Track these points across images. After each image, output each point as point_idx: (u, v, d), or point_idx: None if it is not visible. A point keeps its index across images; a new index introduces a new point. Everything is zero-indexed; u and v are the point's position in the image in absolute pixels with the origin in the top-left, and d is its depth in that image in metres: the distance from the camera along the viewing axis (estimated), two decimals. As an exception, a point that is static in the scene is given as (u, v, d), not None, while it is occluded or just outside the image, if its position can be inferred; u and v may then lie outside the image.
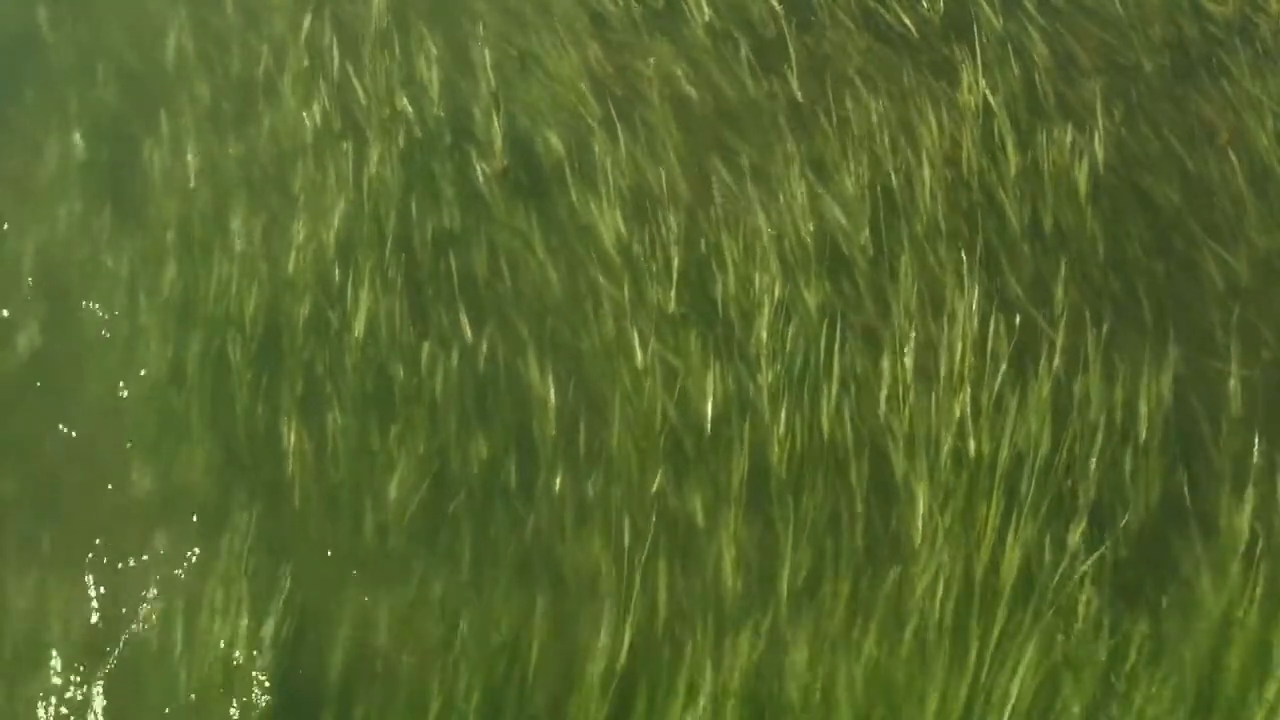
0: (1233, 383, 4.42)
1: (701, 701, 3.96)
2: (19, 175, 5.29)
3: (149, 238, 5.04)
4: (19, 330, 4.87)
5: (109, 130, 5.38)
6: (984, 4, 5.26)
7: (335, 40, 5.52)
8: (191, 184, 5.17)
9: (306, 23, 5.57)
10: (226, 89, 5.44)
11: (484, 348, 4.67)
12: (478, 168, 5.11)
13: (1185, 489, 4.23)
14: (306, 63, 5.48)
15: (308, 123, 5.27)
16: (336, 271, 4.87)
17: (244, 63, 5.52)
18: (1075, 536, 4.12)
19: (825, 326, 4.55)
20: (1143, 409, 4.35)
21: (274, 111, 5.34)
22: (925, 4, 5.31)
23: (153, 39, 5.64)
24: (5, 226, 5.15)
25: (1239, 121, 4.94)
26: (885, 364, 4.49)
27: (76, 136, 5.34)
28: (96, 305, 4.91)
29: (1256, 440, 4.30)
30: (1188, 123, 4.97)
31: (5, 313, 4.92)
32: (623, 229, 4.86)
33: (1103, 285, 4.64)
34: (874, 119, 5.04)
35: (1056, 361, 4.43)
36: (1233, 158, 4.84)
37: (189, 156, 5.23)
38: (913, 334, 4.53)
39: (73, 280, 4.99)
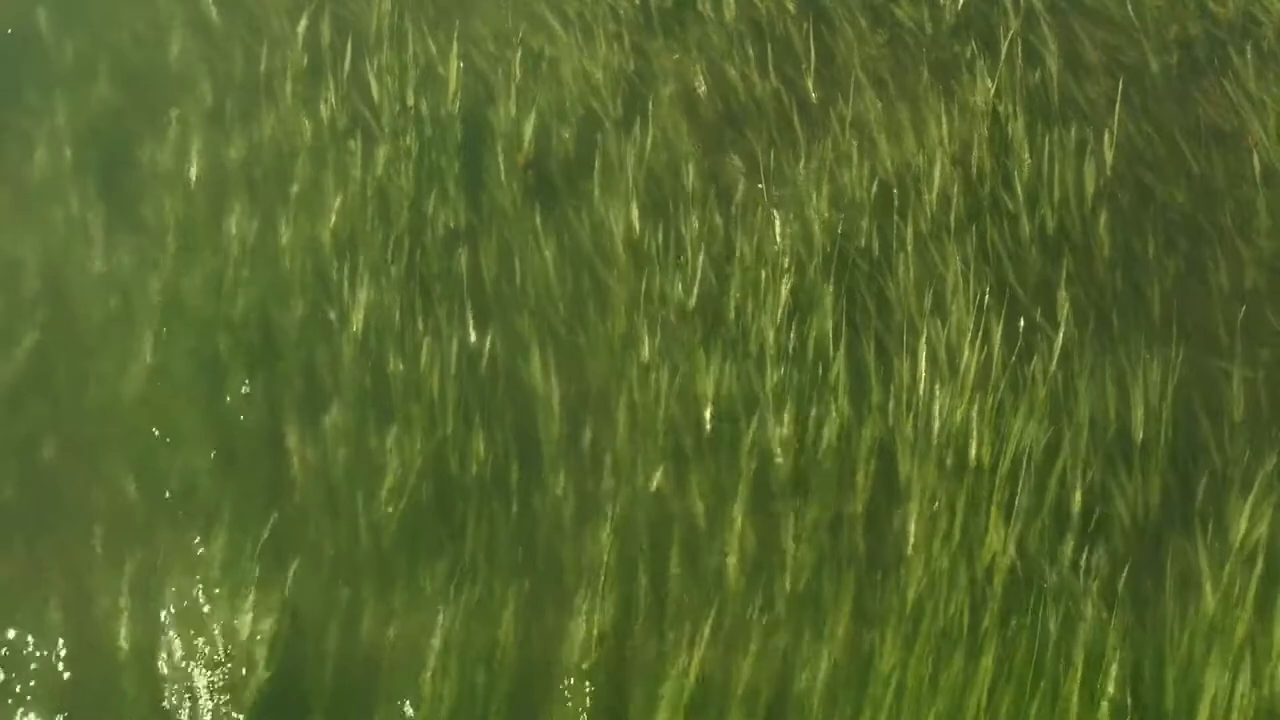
0: (1236, 384, 4.42)
1: (703, 700, 3.96)
2: (17, 175, 5.27)
3: (149, 238, 5.02)
4: (16, 331, 4.85)
5: (109, 130, 5.36)
6: (995, 3, 5.28)
7: (339, 39, 5.52)
8: (194, 184, 5.17)
9: (304, 22, 5.57)
10: (228, 89, 5.42)
11: (488, 345, 4.67)
12: (494, 164, 5.11)
13: (1188, 492, 4.23)
14: (308, 61, 5.47)
15: (310, 121, 5.26)
16: (343, 269, 4.87)
17: (244, 62, 5.51)
18: (1075, 540, 4.12)
19: (832, 326, 4.55)
20: (1145, 411, 4.35)
21: (277, 111, 5.33)
22: (941, 1, 5.33)
23: (153, 39, 5.63)
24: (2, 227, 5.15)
25: (1244, 122, 4.96)
26: (890, 365, 4.49)
27: (77, 137, 5.33)
28: (95, 305, 4.89)
29: (1261, 442, 4.30)
30: (1194, 123, 4.99)
31: (2, 314, 4.91)
32: (635, 226, 4.87)
33: (1108, 286, 4.65)
34: (884, 118, 5.05)
35: (1062, 362, 4.43)
36: (1251, 158, 4.86)
37: (192, 156, 5.22)
38: (921, 336, 4.53)
39: (71, 280, 4.97)
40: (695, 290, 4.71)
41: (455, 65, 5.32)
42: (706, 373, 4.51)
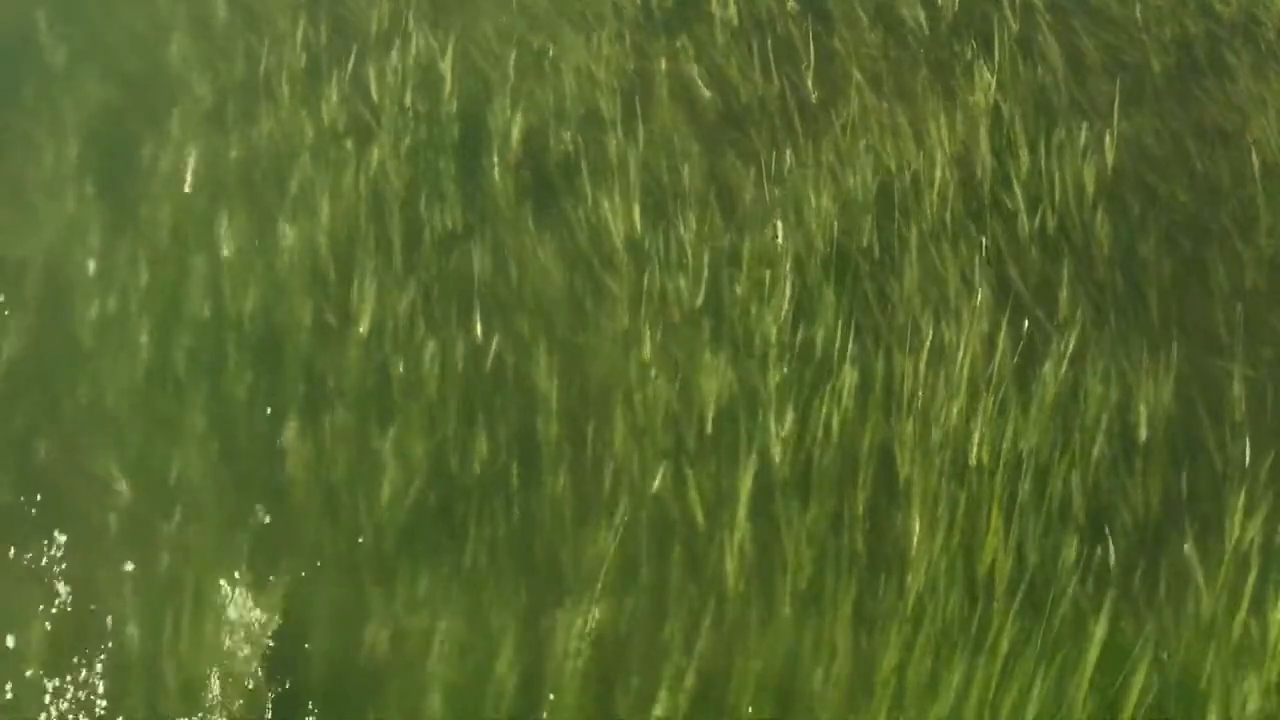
0: (1237, 384, 4.42)
1: (703, 700, 3.96)
2: (17, 175, 5.27)
3: (148, 238, 5.02)
4: (17, 330, 4.85)
5: (109, 130, 5.36)
6: (995, 2, 5.29)
7: (339, 39, 5.52)
8: (190, 185, 5.17)
9: (304, 22, 5.57)
10: (228, 89, 5.42)
11: (491, 345, 4.67)
12: (489, 163, 5.11)
13: (1189, 492, 4.22)
14: (307, 61, 5.47)
15: (310, 121, 5.26)
16: (343, 268, 4.87)
17: (244, 62, 5.51)
18: (1076, 540, 4.12)
19: (834, 326, 4.55)
20: (1146, 411, 4.35)
21: (276, 111, 5.33)
22: (939, 1, 5.33)
23: (152, 40, 5.63)
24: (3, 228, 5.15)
25: (1245, 120, 4.96)
26: (892, 364, 4.49)
27: (77, 137, 5.33)
28: (95, 305, 4.89)
29: (1262, 442, 4.30)
30: (1195, 122, 4.99)
31: (3, 313, 4.91)
32: (636, 226, 4.87)
33: (1109, 286, 4.65)
34: (885, 118, 5.05)
35: (1063, 363, 4.43)
36: (1252, 157, 4.86)
37: (191, 156, 5.22)
38: (922, 336, 4.53)
39: (71, 280, 4.97)
40: (696, 290, 4.71)
41: (454, 65, 5.32)
42: (708, 372, 4.51)
